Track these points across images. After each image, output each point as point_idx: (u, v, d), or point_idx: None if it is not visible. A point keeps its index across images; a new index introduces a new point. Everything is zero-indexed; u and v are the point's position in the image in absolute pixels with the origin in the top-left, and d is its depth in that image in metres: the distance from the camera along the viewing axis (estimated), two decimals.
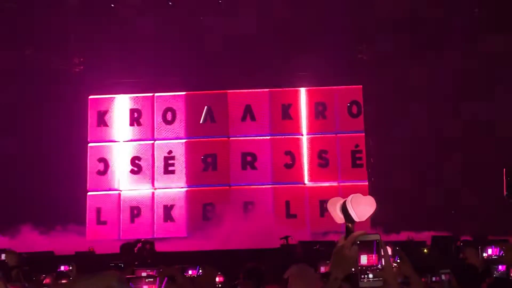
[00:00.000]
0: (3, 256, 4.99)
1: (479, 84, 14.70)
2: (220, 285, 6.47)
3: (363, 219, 2.71)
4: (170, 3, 15.82)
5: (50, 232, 14.63)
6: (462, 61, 14.60)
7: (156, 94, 16.69)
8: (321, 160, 16.29)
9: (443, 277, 4.29)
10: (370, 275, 2.53)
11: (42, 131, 15.41)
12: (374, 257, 2.56)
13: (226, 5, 15.75)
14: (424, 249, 11.44)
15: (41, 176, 15.27)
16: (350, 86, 16.47)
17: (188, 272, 6.26)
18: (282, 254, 12.07)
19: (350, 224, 2.65)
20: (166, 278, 3.95)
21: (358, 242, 2.57)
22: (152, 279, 3.68)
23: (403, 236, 13.18)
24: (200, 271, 5.96)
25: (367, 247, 2.56)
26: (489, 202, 13.44)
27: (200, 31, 15.59)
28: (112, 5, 15.82)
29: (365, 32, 15.47)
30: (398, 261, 4.18)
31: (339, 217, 2.65)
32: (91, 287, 2.35)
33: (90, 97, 16.62)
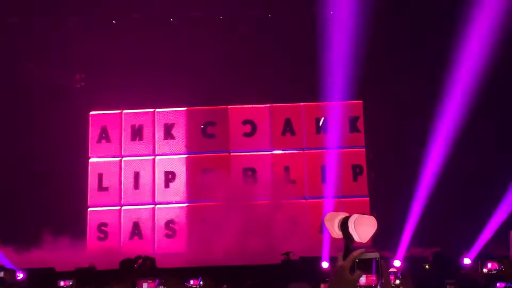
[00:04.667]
0: (1, 274, 4.98)
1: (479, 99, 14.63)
2: None
3: (364, 240, 2.68)
4: (171, 20, 15.90)
5: (51, 248, 14.58)
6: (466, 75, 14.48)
7: (157, 110, 16.72)
8: (321, 175, 16.27)
9: (447, 287, 4.28)
10: None
11: (43, 147, 15.40)
12: (373, 277, 2.54)
13: (226, 22, 15.83)
14: (426, 265, 11.39)
15: (41, 192, 15.23)
16: (350, 102, 16.46)
17: (190, 282, 6.41)
18: (283, 270, 12.02)
19: (349, 242, 2.62)
20: None
21: (357, 260, 2.55)
22: None
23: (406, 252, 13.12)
24: (201, 282, 6.07)
25: (366, 266, 2.54)
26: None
27: (200, 47, 15.65)
28: (114, 22, 15.90)
29: (365, 48, 15.48)
30: (400, 277, 4.18)
31: (336, 233, 2.62)
32: None
33: (91, 113, 16.67)
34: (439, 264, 11.21)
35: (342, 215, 2.72)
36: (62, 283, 7.20)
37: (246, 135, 16.55)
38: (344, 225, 2.69)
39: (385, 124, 15.67)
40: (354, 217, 2.64)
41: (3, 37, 15.15)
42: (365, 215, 2.65)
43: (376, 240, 11.95)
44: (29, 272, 9.78)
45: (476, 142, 14.63)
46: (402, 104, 15.26)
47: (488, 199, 12.93)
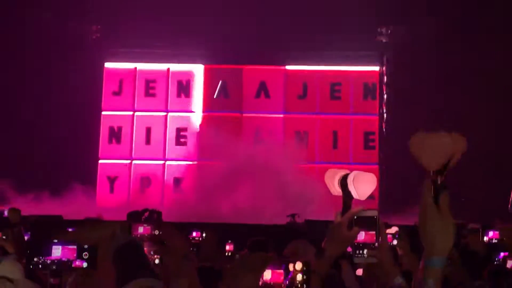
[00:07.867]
0: (5, 213, 5.04)
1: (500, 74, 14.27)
2: (229, 254, 6.70)
3: (363, 198, 2.66)
4: None
5: (60, 198, 14.72)
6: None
7: (172, 65, 16.63)
8: (333, 140, 16.25)
9: None
10: (365, 251, 2.50)
11: (56, 97, 15.40)
12: (371, 234, 2.52)
13: None
14: None
15: (53, 142, 15.29)
16: (367, 68, 16.32)
17: (192, 234, 6.54)
18: (287, 231, 12.08)
19: (347, 199, 2.60)
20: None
21: (356, 217, 2.53)
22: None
23: (411, 220, 13.08)
24: (204, 235, 6.17)
25: (365, 223, 2.52)
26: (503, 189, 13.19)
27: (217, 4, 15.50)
28: None
29: (387, 14, 15.25)
30: (398, 238, 4.16)
31: (336, 190, 2.60)
32: (96, 234, 2.41)
33: (106, 64, 16.61)
34: None
35: (343, 172, 2.70)
36: (70, 230, 7.27)
37: (260, 96, 16.47)
38: (343, 181, 2.66)
39: (401, 93, 15.51)
40: (354, 173, 2.62)
41: None
42: (364, 172, 2.62)
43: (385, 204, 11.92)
44: (36, 218, 9.87)
45: (498, 110, 14.27)
46: (421, 73, 15.06)
47: (506, 172, 12.78)
